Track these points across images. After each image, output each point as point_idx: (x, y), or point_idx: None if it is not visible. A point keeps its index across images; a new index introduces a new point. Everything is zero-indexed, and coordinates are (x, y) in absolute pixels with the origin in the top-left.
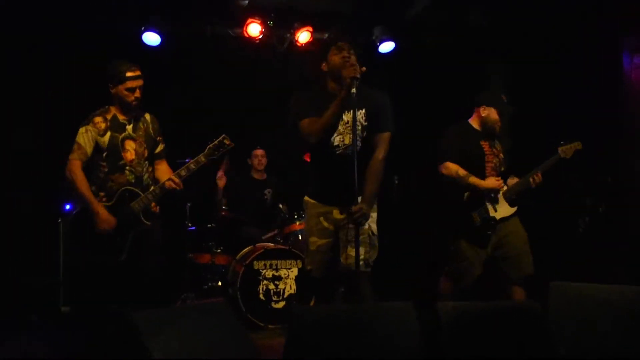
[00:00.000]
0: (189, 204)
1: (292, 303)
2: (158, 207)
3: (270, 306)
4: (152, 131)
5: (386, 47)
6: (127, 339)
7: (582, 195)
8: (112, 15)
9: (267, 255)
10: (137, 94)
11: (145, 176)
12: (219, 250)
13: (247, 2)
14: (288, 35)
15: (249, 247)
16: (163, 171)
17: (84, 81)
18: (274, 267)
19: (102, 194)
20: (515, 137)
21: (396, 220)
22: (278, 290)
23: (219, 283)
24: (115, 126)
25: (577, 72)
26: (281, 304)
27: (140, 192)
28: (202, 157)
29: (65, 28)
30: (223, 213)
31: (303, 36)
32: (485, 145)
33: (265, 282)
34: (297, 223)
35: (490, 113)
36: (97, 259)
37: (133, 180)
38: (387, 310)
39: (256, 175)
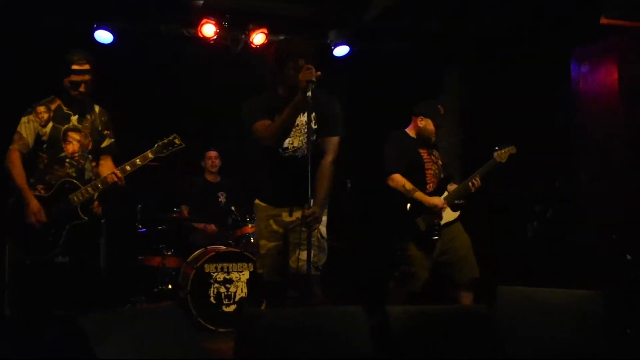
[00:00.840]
0: (139, 205)
1: (242, 306)
2: (100, 208)
3: (221, 309)
4: (99, 124)
5: (341, 50)
6: (73, 344)
7: (531, 201)
8: (64, 11)
9: (219, 258)
10: (82, 88)
11: (88, 169)
12: (169, 253)
13: (202, 2)
14: (243, 36)
15: (200, 250)
16: (107, 167)
17: (32, 74)
18: (225, 270)
19: (40, 186)
20: (465, 143)
21: (348, 224)
22: (229, 293)
23: (170, 286)
24: (59, 117)
25: (529, 80)
26: (232, 307)
27: (80, 185)
28: (149, 154)
29: (18, 23)
30: (174, 215)
31: (258, 38)
32: (423, 153)
33: (216, 285)
34: (249, 226)
35: (427, 124)
36: (31, 255)
37: (74, 173)
38: (337, 314)
39: (210, 178)
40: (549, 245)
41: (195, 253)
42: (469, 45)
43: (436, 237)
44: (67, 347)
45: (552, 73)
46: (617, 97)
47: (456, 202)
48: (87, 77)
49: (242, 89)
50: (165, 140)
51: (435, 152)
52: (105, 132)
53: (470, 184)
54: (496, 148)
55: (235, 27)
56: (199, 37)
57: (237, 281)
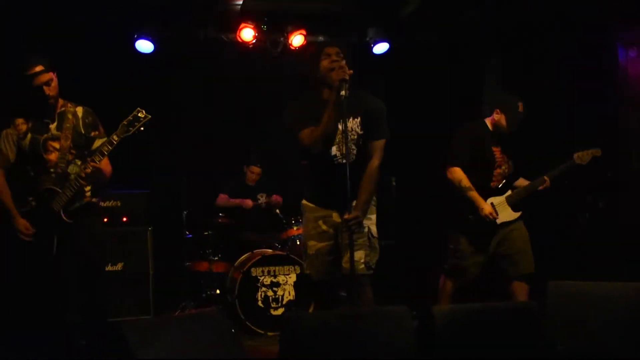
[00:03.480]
0: (185, 212)
1: (289, 309)
2: (96, 199)
3: (269, 313)
4: (82, 127)
5: (380, 48)
6: (116, 349)
7: (582, 192)
8: (104, 20)
9: (265, 261)
10: (47, 90)
11: (74, 172)
12: (216, 258)
13: (239, 6)
14: (282, 39)
15: (247, 254)
16: (104, 166)
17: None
18: (272, 273)
19: (30, 198)
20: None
21: (394, 222)
22: (276, 296)
23: (217, 291)
24: (37, 127)
25: (573, 67)
26: (280, 311)
27: (59, 190)
28: (114, 137)
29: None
30: (220, 220)
31: (297, 40)
32: (497, 150)
33: (263, 288)
34: (295, 228)
35: (500, 119)
36: (32, 268)
37: (55, 180)
38: (382, 315)
39: (248, 182)
40: (601, 236)
41: (242, 257)
42: (509, 34)
43: (487, 236)
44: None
45: (599, 59)
46: None
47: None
48: (43, 78)
49: (283, 92)
50: (130, 117)
51: (508, 150)
52: (93, 133)
53: (539, 184)
54: (579, 149)
55: (273, 29)
56: (238, 41)
57: (284, 284)
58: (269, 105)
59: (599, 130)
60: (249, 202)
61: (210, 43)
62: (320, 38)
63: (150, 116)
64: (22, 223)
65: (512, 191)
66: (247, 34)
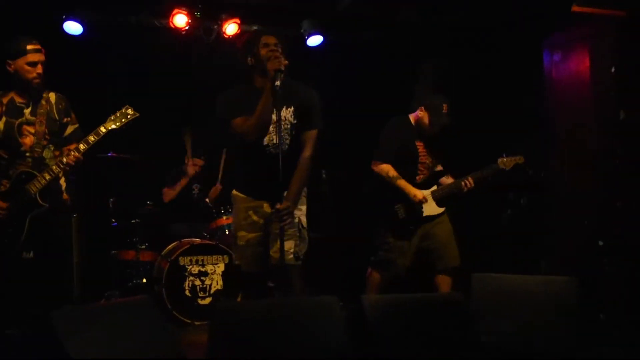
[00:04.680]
0: (111, 199)
1: (217, 298)
2: (70, 201)
3: (196, 302)
4: (55, 112)
5: (314, 40)
6: (45, 339)
7: (505, 189)
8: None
9: (193, 250)
10: (39, 69)
11: (48, 157)
12: (143, 247)
13: None
14: (215, 27)
15: (175, 243)
16: None
17: None
18: (200, 262)
19: (5, 181)
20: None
21: (324, 215)
22: (204, 286)
23: (144, 280)
24: (12, 110)
25: (502, 69)
26: (207, 300)
27: (36, 173)
28: (101, 128)
29: None
30: (148, 207)
31: (230, 28)
32: (420, 145)
33: (191, 278)
34: (224, 218)
35: (424, 117)
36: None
37: (31, 164)
38: (311, 305)
39: (188, 172)
40: (523, 232)
41: (170, 246)
42: (442, 36)
43: (412, 227)
44: (38, 343)
45: (524, 62)
46: (588, 85)
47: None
48: (43, 57)
49: (216, 80)
50: (118, 113)
51: (432, 144)
52: (66, 119)
53: (462, 183)
54: (503, 154)
55: (207, 17)
56: (171, 27)
57: (212, 274)
58: (202, 93)
59: (525, 132)
60: (197, 162)
61: (142, 28)
62: (254, 27)
63: (138, 114)
64: None
65: (437, 187)
66: (180, 20)
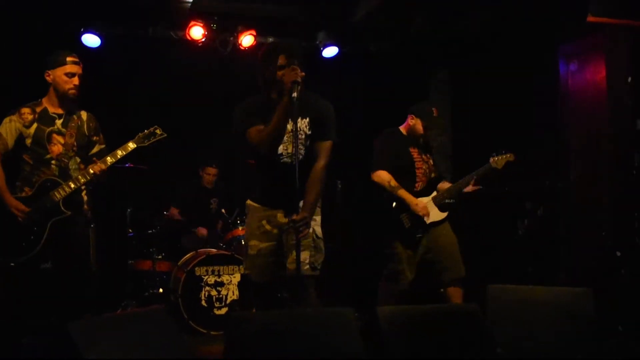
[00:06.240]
0: (129, 210)
1: (233, 309)
2: (90, 212)
3: (212, 312)
4: (86, 129)
5: (330, 52)
6: (63, 350)
7: (522, 199)
8: (51, 14)
9: (209, 261)
10: (76, 80)
11: (73, 168)
12: (160, 257)
13: (189, 4)
14: (231, 38)
15: (191, 253)
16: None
17: (17, 77)
18: (216, 273)
19: (27, 188)
20: (455, 142)
21: (339, 225)
22: (220, 296)
23: (161, 290)
24: (44, 118)
25: (518, 78)
26: (223, 310)
27: (61, 181)
28: (130, 144)
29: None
30: (165, 216)
31: (246, 40)
32: (414, 152)
33: (207, 288)
34: (240, 228)
35: (416, 123)
36: (12, 255)
37: (57, 173)
38: (327, 316)
39: (205, 184)
40: (539, 242)
41: (186, 256)
42: (457, 45)
43: (420, 235)
44: (55, 353)
45: (541, 71)
46: (604, 95)
47: (446, 201)
48: (80, 70)
49: (233, 92)
50: (147, 132)
51: (427, 152)
52: (95, 138)
53: (461, 185)
54: (494, 154)
55: (223, 29)
56: (187, 39)
57: (228, 284)
58: (218, 105)
59: (541, 140)
60: (203, 232)
61: (158, 40)
62: (270, 39)
63: (166, 134)
64: (14, 202)
65: (437, 192)
66: (197, 32)
